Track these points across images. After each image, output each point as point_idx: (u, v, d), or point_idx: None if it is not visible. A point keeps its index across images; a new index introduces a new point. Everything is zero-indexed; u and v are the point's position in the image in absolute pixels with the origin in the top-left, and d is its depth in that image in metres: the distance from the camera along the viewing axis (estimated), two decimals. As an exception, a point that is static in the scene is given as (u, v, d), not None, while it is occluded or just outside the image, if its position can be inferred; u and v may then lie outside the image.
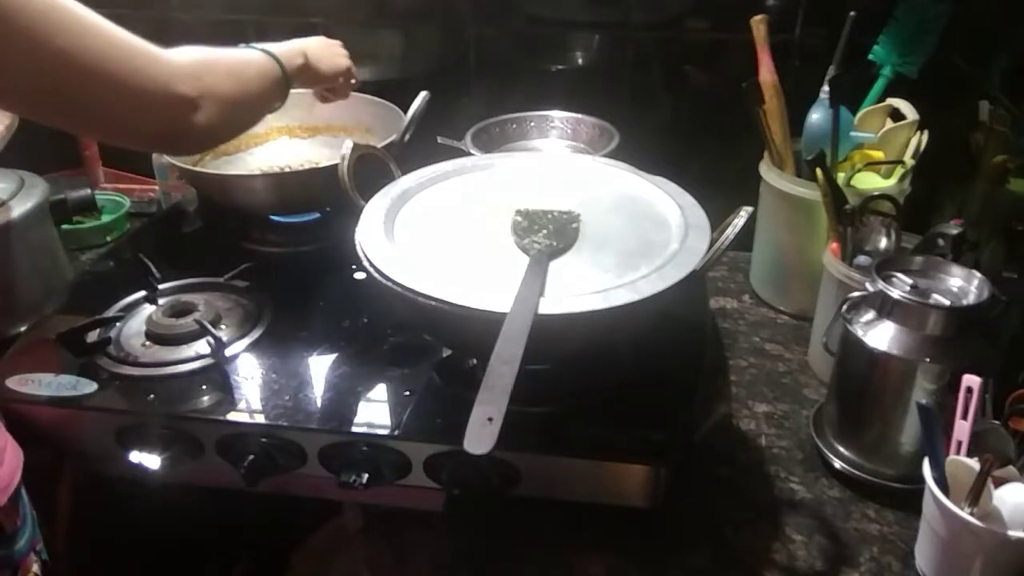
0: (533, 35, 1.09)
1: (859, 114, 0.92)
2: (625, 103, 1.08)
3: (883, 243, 0.80)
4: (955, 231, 0.73)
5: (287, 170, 1.05)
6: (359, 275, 0.86)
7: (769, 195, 0.93)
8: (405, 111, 1.00)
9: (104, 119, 0.59)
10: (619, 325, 0.62)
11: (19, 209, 0.86)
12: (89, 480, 0.82)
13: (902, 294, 0.66)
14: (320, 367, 0.76)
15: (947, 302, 0.67)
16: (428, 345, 0.76)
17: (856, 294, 0.71)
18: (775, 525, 0.69)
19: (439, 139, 1.02)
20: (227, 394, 0.72)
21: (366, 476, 0.67)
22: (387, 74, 1.17)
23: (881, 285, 0.68)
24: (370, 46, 1.16)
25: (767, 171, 0.92)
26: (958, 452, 0.61)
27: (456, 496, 0.68)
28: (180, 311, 0.80)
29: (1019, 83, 0.80)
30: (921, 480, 0.61)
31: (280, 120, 1.12)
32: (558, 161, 0.86)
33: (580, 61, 1.10)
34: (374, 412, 0.71)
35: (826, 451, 0.74)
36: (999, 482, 0.59)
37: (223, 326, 0.80)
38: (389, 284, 0.63)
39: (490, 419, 0.51)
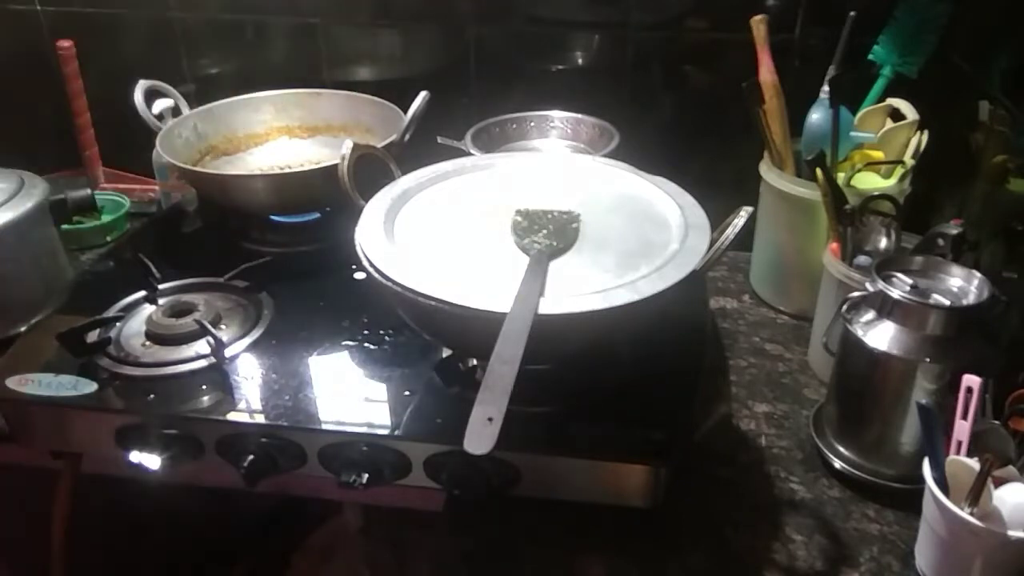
0: (533, 35, 1.09)
1: (859, 114, 0.92)
2: (625, 103, 1.08)
3: (883, 243, 0.80)
4: (955, 231, 0.73)
5: (287, 170, 1.05)
6: (359, 275, 0.86)
7: (769, 195, 0.93)
8: (405, 111, 1.00)
9: None
10: (619, 325, 0.62)
11: (19, 209, 0.86)
12: (89, 480, 0.82)
13: (902, 294, 0.66)
14: (320, 367, 0.76)
15: (947, 302, 0.67)
16: (428, 345, 0.76)
17: (856, 294, 0.71)
18: (775, 525, 0.69)
19: (439, 139, 1.02)
20: (227, 394, 0.72)
21: (366, 476, 0.67)
22: (387, 74, 1.17)
23: (881, 285, 0.68)
24: (370, 46, 1.16)
25: (767, 171, 0.92)
26: (958, 452, 0.61)
27: (456, 496, 0.68)
28: (180, 311, 0.80)
29: (1019, 83, 0.80)
30: (921, 480, 0.61)
31: (280, 120, 1.12)
32: (558, 161, 0.86)
33: (580, 61, 1.10)
34: (374, 412, 0.71)
35: (826, 451, 0.74)
36: (999, 482, 0.59)
37: (223, 326, 0.80)
38: (389, 284, 0.63)
39: (490, 419, 0.51)
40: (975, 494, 0.58)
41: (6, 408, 0.74)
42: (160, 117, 1.04)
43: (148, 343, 0.78)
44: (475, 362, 0.74)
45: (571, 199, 0.75)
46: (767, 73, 0.90)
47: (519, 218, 0.71)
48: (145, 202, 1.17)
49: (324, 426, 0.69)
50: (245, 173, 1.04)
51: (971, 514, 0.58)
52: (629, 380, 0.72)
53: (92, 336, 0.77)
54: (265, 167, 1.08)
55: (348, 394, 0.73)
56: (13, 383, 0.73)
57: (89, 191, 0.96)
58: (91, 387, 0.73)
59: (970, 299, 0.67)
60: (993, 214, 0.80)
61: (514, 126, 1.07)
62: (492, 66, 1.11)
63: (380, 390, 0.73)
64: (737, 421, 0.81)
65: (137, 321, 0.81)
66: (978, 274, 0.68)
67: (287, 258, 0.96)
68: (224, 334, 0.78)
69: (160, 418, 0.71)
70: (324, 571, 1.17)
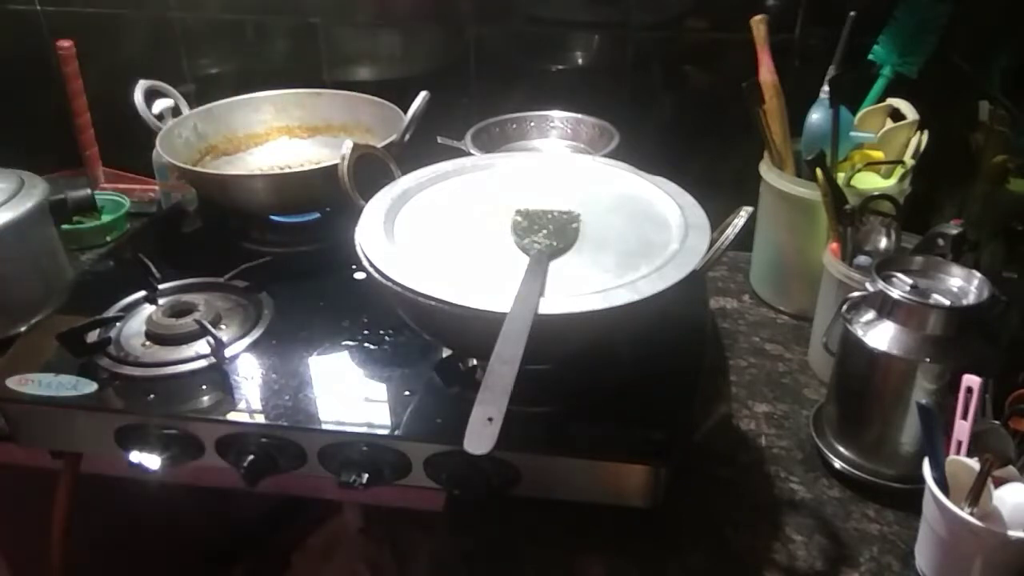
0: (533, 35, 1.09)
1: (859, 114, 0.92)
2: (625, 103, 1.08)
3: (883, 243, 0.80)
4: (955, 231, 0.73)
5: (287, 170, 1.05)
6: (359, 275, 0.86)
7: (769, 195, 0.93)
8: (405, 111, 1.00)
9: None
10: (619, 325, 0.62)
11: (19, 209, 0.86)
12: (88, 480, 0.82)
13: (902, 294, 0.66)
14: (320, 367, 0.76)
15: (947, 302, 0.67)
16: (428, 345, 0.76)
17: (856, 294, 0.71)
18: (775, 525, 0.69)
19: (439, 139, 1.02)
20: (227, 394, 0.72)
21: (366, 476, 0.67)
22: (387, 74, 1.17)
23: (881, 285, 0.68)
24: (370, 46, 1.16)
25: (767, 171, 0.92)
26: (958, 452, 0.61)
27: (456, 496, 0.68)
28: (180, 311, 0.80)
29: (1019, 83, 0.80)
30: (921, 480, 0.61)
31: (280, 120, 1.12)
32: (558, 161, 0.86)
33: (580, 61, 1.10)
34: (374, 412, 0.71)
35: (826, 451, 0.74)
36: (999, 482, 0.59)
37: (223, 326, 0.80)
38: (389, 284, 0.63)
39: (490, 419, 0.51)
40: (975, 494, 0.58)
41: (6, 408, 0.74)
42: (160, 117, 1.04)
43: (148, 343, 0.78)
44: (475, 362, 0.74)
45: (571, 199, 0.75)
46: (767, 73, 0.90)
47: (519, 218, 0.71)
48: (145, 202, 1.17)
49: (324, 426, 0.69)
50: (245, 173, 1.04)
51: (971, 514, 0.58)
52: (629, 380, 0.72)
53: (92, 336, 0.77)
54: (265, 167, 1.08)
55: (348, 394, 0.73)
56: (13, 383, 0.73)
57: (89, 191, 0.96)
58: (91, 387, 0.73)
59: (970, 299, 0.67)
60: (993, 214, 0.80)
61: (514, 126, 1.06)
62: (492, 66, 1.11)
63: (380, 390, 0.73)
64: (737, 421, 0.80)
65: (137, 321, 0.81)
66: (978, 274, 0.68)
67: (287, 258, 0.96)
68: (224, 334, 0.78)
69: (160, 418, 0.70)
70: (324, 571, 1.17)
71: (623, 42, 1.06)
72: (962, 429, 0.61)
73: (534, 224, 0.70)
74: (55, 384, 0.73)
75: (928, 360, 0.66)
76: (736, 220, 0.63)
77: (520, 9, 1.08)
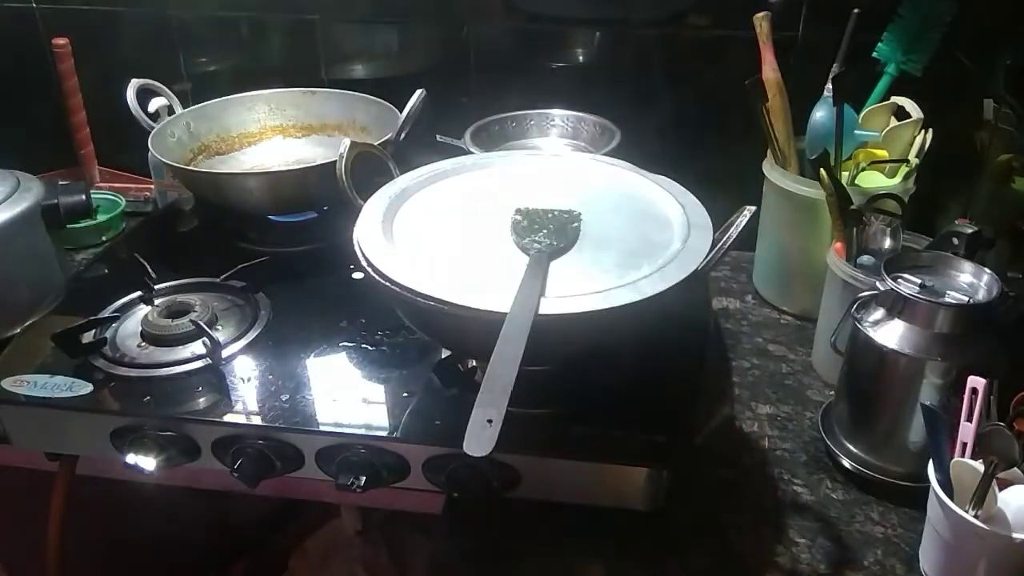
0: (533, 32, 1.09)
1: (863, 112, 0.92)
2: (626, 101, 1.07)
3: (887, 243, 0.80)
4: (970, 230, 0.72)
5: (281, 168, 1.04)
6: (357, 275, 0.85)
7: (772, 194, 0.92)
8: (403, 109, 0.99)
9: None
10: (620, 326, 0.62)
11: (14, 210, 0.85)
12: (84, 482, 0.82)
13: (913, 293, 0.66)
14: (318, 368, 0.75)
15: (961, 299, 0.66)
16: (427, 346, 0.76)
17: (866, 293, 0.71)
18: (778, 528, 0.68)
19: (438, 137, 1.01)
20: (223, 395, 0.72)
21: (364, 478, 0.67)
22: (385, 72, 1.16)
23: (891, 284, 0.67)
24: (368, 43, 1.15)
25: (770, 170, 0.92)
26: (963, 454, 0.61)
27: (455, 499, 0.68)
28: (176, 312, 0.80)
29: (1024, 81, 0.80)
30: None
31: (274, 119, 1.11)
32: (558, 160, 0.85)
33: (581, 59, 1.09)
34: (372, 414, 0.70)
35: (835, 449, 0.74)
36: (1004, 484, 0.59)
37: (219, 327, 0.79)
38: (387, 284, 0.62)
39: (490, 421, 0.51)
40: (980, 496, 0.58)
41: (1, 410, 0.73)
42: (156, 115, 1.03)
43: (144, 344, 0.77)
44: (474, 363, 0.73)
45: (571, 198, 0.74)
46: (770, 71, 0.90)
47: (519, 217, 0.71)
48: (141, 201, 1.16)
49: (321, 428, 0.68)
50: (238, 172, 1.03)
51: (975, 516, 0.57)
52: (630, 381, 0.72)
53: (87, 337, 0.76)
54: (259, 167, 1.07)
55: (346, 395, 0.72)
56: (8, 384, 0.73)
57: (83, 196, 0.93)
58: (86, 388, 0.72)
59: (980, 296, 0.67)
60: (998, 213, 0.80)
61: (514, 124, 1.06)
62: (492, 63, 1.10)
63: (378, 391, 0.73)
64: (740, 423, 0.80)
65: (133, 322, 0.80)
66: (987, 270, 0.67)
67: (284, 258, 0.95)
68: (220, 335, 0.77)
69: (156, 419, 0.70)
70: (322, 574, 1.17)
71: (624, 39, 1.05)
72: (967, 431, 0.61)
73: (534, 223, 0.70)
74: (50, 385, 0.72)
75: (939, 358, 0.66)
76: (739, 219, 0.63)
77: (520, 6, 1.07)
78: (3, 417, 0.73)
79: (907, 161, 0.88)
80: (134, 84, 1.02)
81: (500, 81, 1.10)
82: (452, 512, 0.70)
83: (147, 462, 0.70)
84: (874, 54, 0.91)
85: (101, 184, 1.19)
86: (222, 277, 0.85)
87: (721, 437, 0.78)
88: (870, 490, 0.71)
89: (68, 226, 0.95)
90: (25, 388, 0.72)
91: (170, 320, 0.78)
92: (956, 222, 0.75)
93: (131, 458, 0.70)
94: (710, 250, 0.65)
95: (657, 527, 0.68)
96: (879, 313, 0.69)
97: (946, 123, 0.88)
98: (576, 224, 0.70)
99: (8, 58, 1.22)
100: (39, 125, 1.21)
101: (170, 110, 1.05)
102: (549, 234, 0.68)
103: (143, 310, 0.82)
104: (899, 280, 0.68)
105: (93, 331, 0.78)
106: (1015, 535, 0.56)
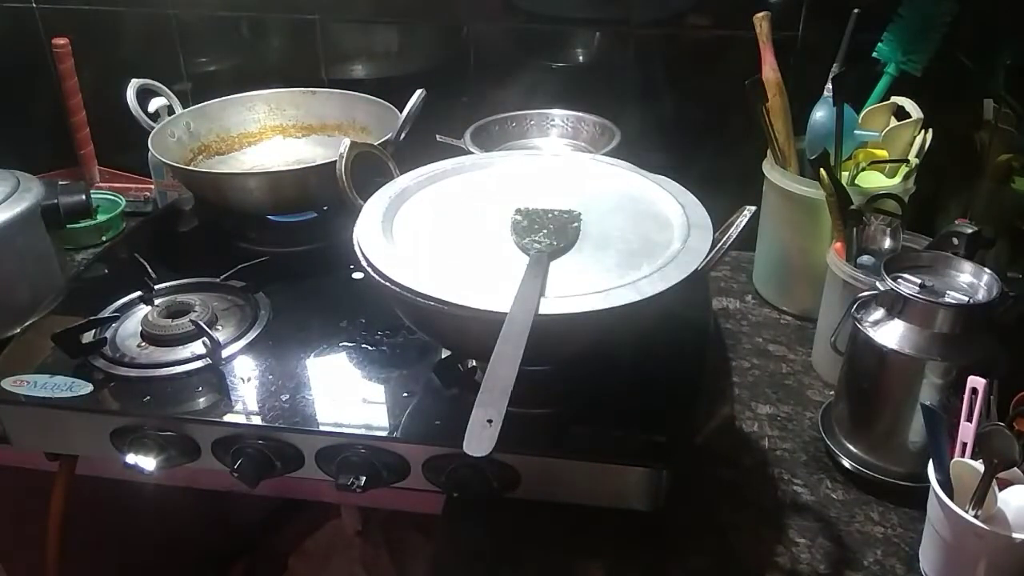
0: (533, 32, 1.09)
1: (863, 112, 0.92)
2: (626, 101, 1.07)
3: (887, 243, 0.80)
4: (970, 230, 0.72)
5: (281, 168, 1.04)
6: (357, 275, 0.85)
7: (772, 194, 0.92)
8: (403, 109, 0.99)
9: None
10: (620, 325, 0.62)
11: (14, 210, 0.85)
12: (84, 482, 0.82)
13: (913, 293, 0.66)
14: (317, 368, 0.75)
15: (961, 299, 0.66)
16: (427, 346, 0.76)
17: (866, 293, 0.71)
18: (778, 528, 0.68)
19: (438, 137, 1.01)
20: (223, 395, 0.72)
21: (364, 479, 0.67)
22: (386, 72, 1.16)
23: (891, 284, 0.67)
24: (368, 43, 1.15)
25: (770, 170, 0.92)
26: (963, 454, 0.61)
27: (455, 499, 0.68)
28: (176, 312, 0.80)
29: (1024, 81, 0.80)
30: (929, 478, 0.61)
31: (274, 119, 1.11)
32: (558, 160, 0.85)
33: (581, 58, 1.09)
34: (372, 414, 0.70)
35: (835, 449, 0.74)
36: (1004, 484, 0.59)
37: (219, 327, 0.79)
38: (387, 284, 0.62)
39: (490, 421, 0.50)
40: (979, 496, 0.58)
41: (1, 410, 0.73)
42: (156, 115, 1.03)
43: (144, 344, 0.77)
44: (474, 363, 0.73)
45: (571, 198, 0.74)
46: (770, 70, 0.90)
47: (519, 217, 0.71)
48: (141, 201, 1.16)
49: (321, 428, 0.68)
50: (238, 172, 1.03)
51: (975, 517, 0.57)
52: (630, 381, 0.72)
53: (87, 337, 0.76)
54: (259, 167, 1.07)
55: (346, 395, 0.72)
56: (8, 384, 0.73)
57: (83, 196, 0.94)
58: (86, 388, 0.72)
59: (980, 296, 0.67)
60: (998, 213, 0.80)
61: (514, 124, 1.06)
62: (492, 63, 1.10)
63: (378, 391, 0.73)
64: (740, 423, 0.80)
65: (133, 322, 0.80)
66: (987, 270, 0.67)
67: (284, 258, 0.95)
68: (220, 335, 0.77)
69: (156, 420, 0.70)
70: (322, 573, 1.17)
71: (624, 39, 1.05)
72: (967, 431, 0.61)
73: (534, 223, 0.70)
74: (50, 385, 0.72)
75: (939, 358, 0.66)
76: (739, 219, 0.63)
77: (520, 6, 1.07)
78: (3, 417, 0.73)
79: (907, 161, 0.88)
80: (134, 84, 1.02)
81: (500, 81, 1.10)
82: (452, 512, 0.70)
83: (147, 462, 0.70)
84: (874, 54, 0.91)
85: (101, 184, 1.19)
86: (222, 277, 0.85)
87: (721, 437, 0.78)
88: (870, 490, 0.71)
89: (68, 226, 0.95)
90: (25, 388, 0.72)
91: (170, 320, 0.78)
92: (956, 222, 0.75)
93: (131, 458, 0.70)
94: (710, 250, 0.65)
95: (657, 527, 0.68)
96: (879, 313, 0.69)
97: (946, 123, 0.88)
98: (576, 224, 0.70)
99: (8, 58, 1.22)
100: (39, 125, 1.20)
101: (170, 110, 1.05)
102: (549, 234, 0.68)
103: (143, 310, 0.82)
104: (899, 280, 0.68)
105: (93, 331, 0.78)
106: (1015, 535, 0.56)
